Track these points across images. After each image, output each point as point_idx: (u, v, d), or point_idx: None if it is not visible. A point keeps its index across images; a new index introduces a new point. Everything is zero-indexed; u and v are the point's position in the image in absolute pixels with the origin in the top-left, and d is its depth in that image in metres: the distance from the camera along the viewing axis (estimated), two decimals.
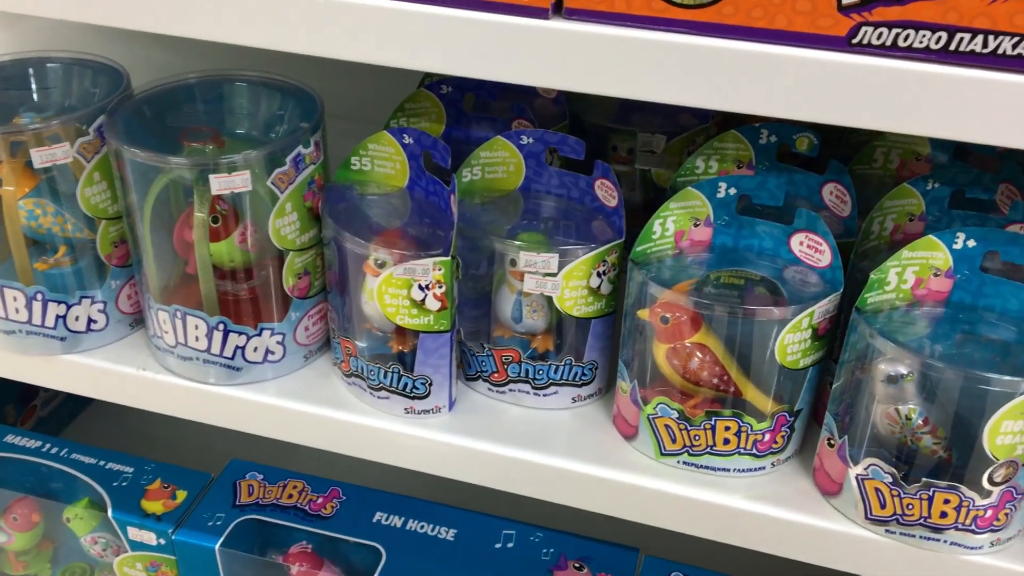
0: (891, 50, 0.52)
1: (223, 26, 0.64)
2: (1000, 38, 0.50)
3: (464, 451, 0.76)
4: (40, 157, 0.74)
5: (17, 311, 0.80)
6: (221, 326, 0.77)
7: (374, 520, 0.91)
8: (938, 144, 0.80)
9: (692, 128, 0.90)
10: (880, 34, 0.52)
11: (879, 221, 0.74)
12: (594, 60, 0.57)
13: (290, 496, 0.93)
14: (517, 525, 0.91)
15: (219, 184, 0.71)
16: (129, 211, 0.77)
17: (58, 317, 0.81)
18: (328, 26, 0.61)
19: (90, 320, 0.82)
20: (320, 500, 0.92)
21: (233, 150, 0.74)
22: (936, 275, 0.67)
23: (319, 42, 0.62)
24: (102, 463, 0.97)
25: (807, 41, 0.53)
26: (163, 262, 0.79)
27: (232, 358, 0.78)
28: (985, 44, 0.50)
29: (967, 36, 0.50)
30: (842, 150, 0.86)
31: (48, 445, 0.99)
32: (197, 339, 0.78)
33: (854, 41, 0.52)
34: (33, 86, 0.84)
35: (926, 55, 0.51)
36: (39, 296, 0.80)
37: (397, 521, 0.91)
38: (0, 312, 0.80)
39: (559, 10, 0.57)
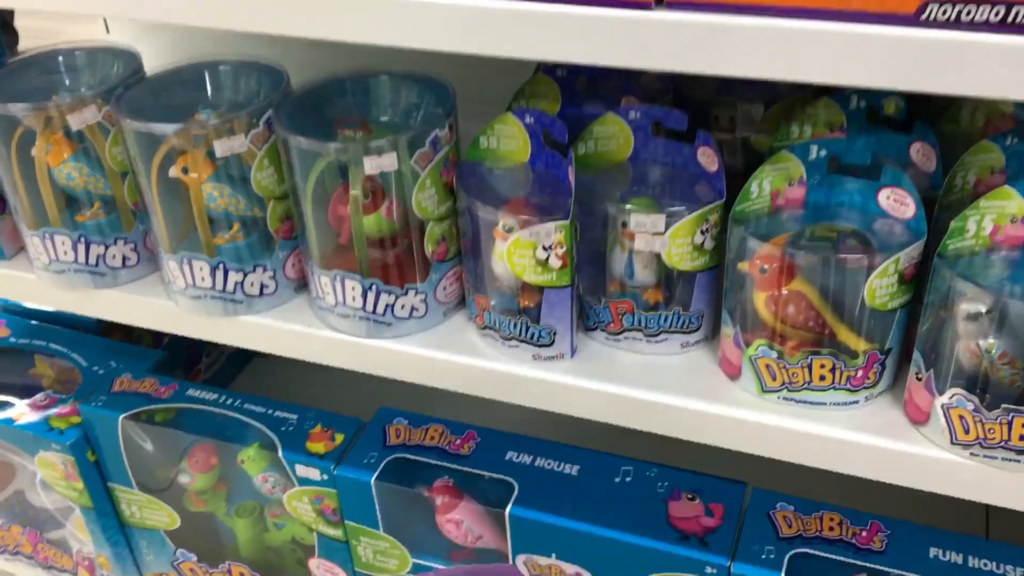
0: (955, 24, 0.59)
1: (370, 30, 0.73)
2: None
3: (586, 391, 0.85)
4: (221, 148, 0.86)
5: (203, 279, 0.93)
6: (374, 287, 0.88)
7: (506, 458, 0.99)
8: (1021, 104, 0.84)
9: (788, 97, 0.95)
10: (945, 10, 0.58)
11: (962, 176, 0.79)
12: (692, 45, 0.64)
13: (432, 438, 1.03)
14: (634, 462, 0.98)
15: (371, 165, 0.83)
16: (294, 191, 0.89)
17: (237, 284, 0.93)
18: (459, 26, 0.70)
19: (262, 286, 0.94)
20: (458, 441, 1.02)
21: (380, 135, 0.85)
22: (1012, 222, 0.72)
23: (454, 40, 0.71)
24: (270, 411, 1.08)
25: (881, 19, 0.60)
26: (320, 234, 0.90)
27: (383, 315, 0.89)
28: None
29: (1022, 9, 0.57)
30: (930, 111, 0.91)
31: (223, 397, 1.11)
32: (354, 299, 0.89)
33: (923, 17, 0.59)
34: (208, 86, 0.96)
35: (987, 27, 0.58)
36: (221, 266, 0.93)
37: (527, 459, 0.99)
38: (189, 280, 0.94)
39: (661, 2, 0.65)
